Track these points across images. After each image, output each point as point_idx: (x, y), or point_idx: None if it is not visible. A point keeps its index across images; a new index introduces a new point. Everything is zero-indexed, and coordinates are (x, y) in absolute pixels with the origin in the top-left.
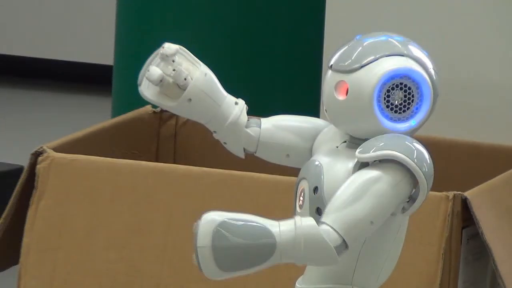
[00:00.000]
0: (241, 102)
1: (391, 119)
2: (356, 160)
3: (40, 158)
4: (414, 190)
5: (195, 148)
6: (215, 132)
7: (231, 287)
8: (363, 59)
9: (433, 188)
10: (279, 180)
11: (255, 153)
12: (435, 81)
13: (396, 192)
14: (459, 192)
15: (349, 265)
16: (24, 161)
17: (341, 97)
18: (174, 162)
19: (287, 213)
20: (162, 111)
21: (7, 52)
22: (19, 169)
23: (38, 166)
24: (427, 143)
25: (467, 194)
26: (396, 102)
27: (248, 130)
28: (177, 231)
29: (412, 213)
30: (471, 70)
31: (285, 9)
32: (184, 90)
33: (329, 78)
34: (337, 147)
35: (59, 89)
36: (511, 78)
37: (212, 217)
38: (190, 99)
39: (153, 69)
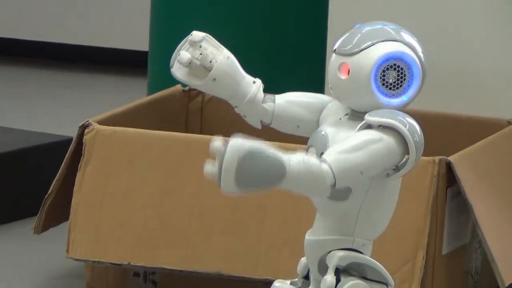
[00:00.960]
0: (258, 81)
1: (386, 95)
2: (360, 124)
3: (86, 130)
4: (402, 161)
5: (219, 121)
6: (236, 107)
7: (249, 235)
8: (362, 44)
9: (422, 154)
10: (291, 147)
11: (270, 124)
12: (424, 62)
13: (389, 155)
14: (444, 157)
15: (351, 220)
16: (73, 133)
17: (343, 76)
18: (201, 133)
19: None
20: (190, 89)
21: (60, 41)
22: (69, 140)
23: (85, 137)
24: (417, 116)
25: (450, 158)
26: (391, 80)
27: (264, 105)
28: (203, 192)
29: (395, 178)
30: (456, 55)
31: (296, 4)
32: (210, 71)
33: (333, 60)
34: (340, 119)
35: (102, 72)
36: (492, 60)
37: (240, 144)
38: (214, 79)
39: (183, 53)
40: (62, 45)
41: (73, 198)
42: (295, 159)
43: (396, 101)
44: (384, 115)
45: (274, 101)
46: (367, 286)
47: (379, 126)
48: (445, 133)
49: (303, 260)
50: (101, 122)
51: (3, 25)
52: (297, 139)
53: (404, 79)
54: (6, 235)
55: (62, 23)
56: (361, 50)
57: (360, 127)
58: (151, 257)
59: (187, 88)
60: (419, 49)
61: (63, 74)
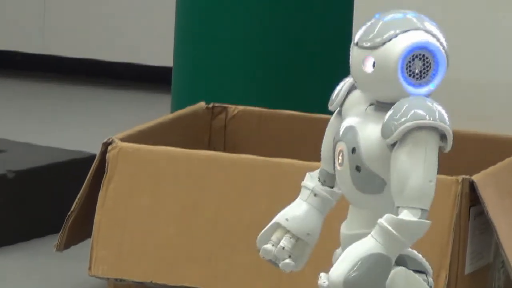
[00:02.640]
0: (310, 195)
1: (413, 85)
2: (383, 141)
3: (110, 147)
4: (441, 135)
5: (242, 138)
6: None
7: None
8: (385, 36)
9: (445, 173)
10: (315, 165)
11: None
12: (446, 49)
13: (430, 147)
14: (467, 176)
15: (386, 212)
16: (96, 150)
17: (368, 70)
18: (224, 151)
19: None
20: (213, 106)
21: (84, 56)
22: (92, 157)
23: (108, 154)
24: None
25: (474, 177)
26: (417, 70)
27: (329, 192)
28: (226, 209)
29: (451, 147)
30: (482, 70)
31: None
32: (304, 240)
33: (355, 54)
34: (365, 110)
35: (126, 88)
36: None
37: (338, 280)
38: (307, 236)
39: (285, 265)
40: (86, 60)
41: (95, 216)
42: (381, 240)
43: (423, 90)
44: (398, 122)
45: (327, 179)
46: (407, 270)
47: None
48: (469, 151)
49: (338, 251)
50: (125, 139)
51: (28, 41)
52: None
53: (430, 68)
54: (29, 252)
55: (86, 39)
56: (385, 42)
57: (388, 147)
58: (174, 275)
59: (210, 105)
60: (440, 35)
61: (86, 90)
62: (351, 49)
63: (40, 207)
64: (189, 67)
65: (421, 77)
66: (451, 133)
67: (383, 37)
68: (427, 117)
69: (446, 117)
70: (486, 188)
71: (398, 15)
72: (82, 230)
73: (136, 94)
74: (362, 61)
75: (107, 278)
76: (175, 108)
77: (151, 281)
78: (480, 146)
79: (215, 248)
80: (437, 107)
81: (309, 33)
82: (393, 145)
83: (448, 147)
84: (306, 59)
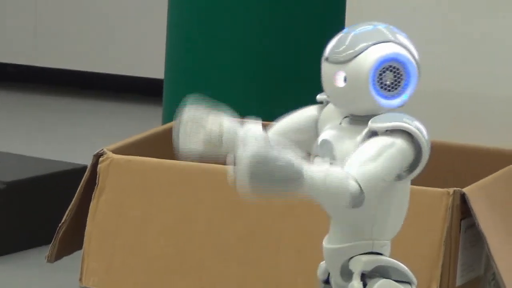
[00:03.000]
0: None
1: (386, 97)
2: (364, 132)
3: (101, 159)
4: (412, 160)
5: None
6: None
7: (264, 265)
8: (356, 49)
9: (436, 185)
10: None
11: None
12: (416, 58)
13: (403, 157)
14: (458, 188)
15: (368, 224)
16: (87, 161)
17: (340, 85)
18: (215, 163)
19: (311, 203)
20: None
21: (75, 68)
22: (83, 168)
23: (99, 166)
24: (433, 147)
25: (465, 190)
26: (388, 82)
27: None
28: (217, 220)
29: (408, 179)
30: (475, 82)
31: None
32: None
33: (327, 69)
34: (340, 123)
35: (117, 100)
36: (508, 89)
37: (255, 151)
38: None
39: (194, 146)
40: (77, 72)
41: (86, 227)
42: (316, 167)
43: (396, 101)
44: (388, 120)
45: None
46: (391, 281)
47: (386, 131)
48: (460, 164)
49: (323, 264)
50: (116, 151)
51: (19, 52)
52: None
53: (401, 79)
54: (20, 263)
55: (77, 50)
56: (355, 56)
57: (366, 134)
58: (165, 287)
59: None
60: (410, 46)
61: (78, 101)
62: (322, 65)
63: (31, 218)
64: (180, 78)
65: (393, 89)
66: (427, 149)
67: (353, 50)
68: (417, 130)
69: (425, 133)
70: (477, 200)
71: (367, 27)
72: (73, 242)
73: (128, 106)
74: (333, 75)
75: None
76: (166, 119)
77: None
78: (472, 158)
79: (206, 260)
80: (417, 124)
81: (309, 33)
82: (370, 136)
83: (413, 174)
84: (306, 59)
